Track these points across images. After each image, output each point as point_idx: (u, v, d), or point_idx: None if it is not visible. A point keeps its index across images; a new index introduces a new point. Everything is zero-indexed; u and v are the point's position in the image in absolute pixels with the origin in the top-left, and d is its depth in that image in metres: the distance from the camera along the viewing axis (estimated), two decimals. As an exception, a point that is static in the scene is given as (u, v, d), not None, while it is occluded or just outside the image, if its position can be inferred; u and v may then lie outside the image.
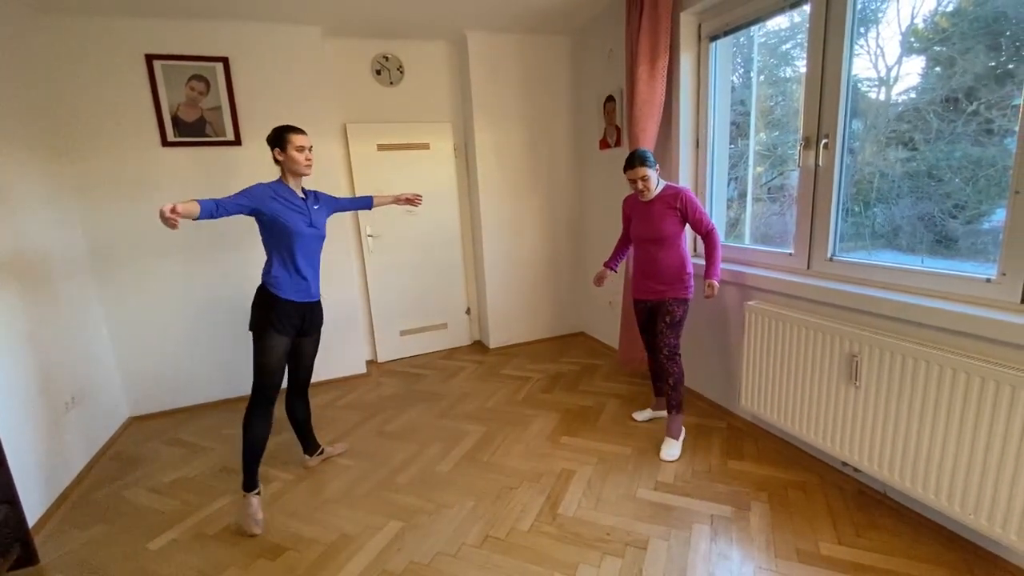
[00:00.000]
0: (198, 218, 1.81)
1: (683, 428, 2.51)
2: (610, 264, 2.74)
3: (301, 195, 2.19)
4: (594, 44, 3.60)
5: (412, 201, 2.63)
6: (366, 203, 2.56)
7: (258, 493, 2.13)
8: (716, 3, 2.57)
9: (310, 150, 2.16)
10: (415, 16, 3.21)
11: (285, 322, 2.17)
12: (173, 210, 1.66)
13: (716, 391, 2.86)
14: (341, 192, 3.53)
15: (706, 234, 2.30)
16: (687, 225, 2.37)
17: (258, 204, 2.01)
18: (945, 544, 1.75)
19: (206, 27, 3.01)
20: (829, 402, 2.02)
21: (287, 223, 2.09)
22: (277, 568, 1.86)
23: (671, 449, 2.42)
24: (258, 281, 2.18)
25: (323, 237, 2.26)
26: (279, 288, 2.13)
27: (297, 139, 2.11)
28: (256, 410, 2.16)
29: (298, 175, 2.16)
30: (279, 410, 3.09)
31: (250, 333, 2.17)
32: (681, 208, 2.30)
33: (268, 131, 2.13)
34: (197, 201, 1.79)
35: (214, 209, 1.86)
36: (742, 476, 2.22)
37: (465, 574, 1.76)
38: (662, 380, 2.72)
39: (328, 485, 2.37)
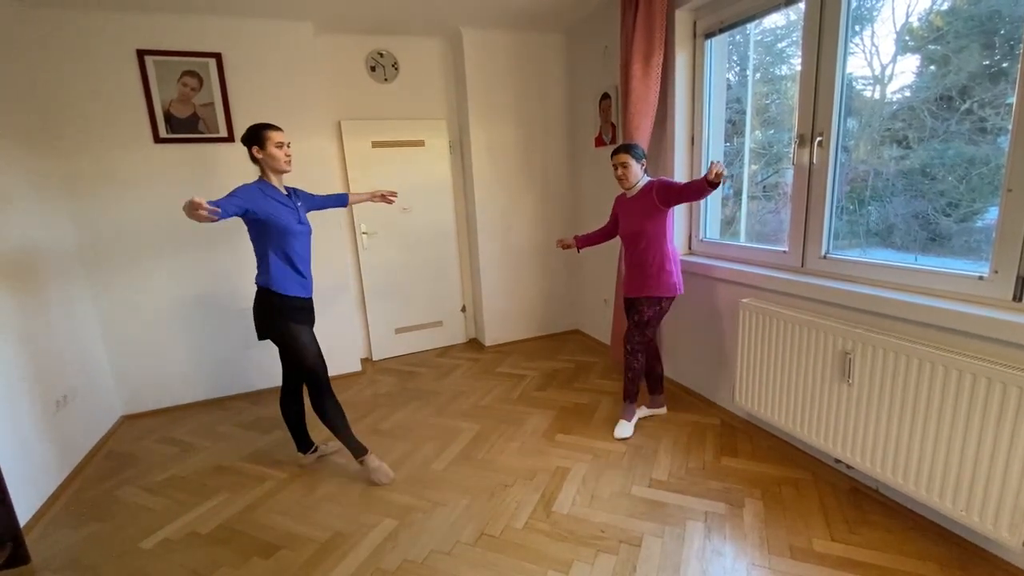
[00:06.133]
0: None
1: (636, 412, 2.68)
2: (580, 240, 2.81)
3: (285, 192, 2.18)
4: (589, 41, 3.59)
5: (386, 198, 2.63)
6: (342, 200, 2.55)
7: (368, 452, 2.35)
8: (711, 0, 2.56)
9: (288, 146, 2.14)
10: (409, 12, 3.18)
11: (300, 315, 2.18)
12: (201, 204, 1.65)
13: (710, 388, 2.86)
14: (335, 191, 3.52)
15: (685, 185, 2.18)
16: (673, 209, 2.35)
17: (251, 204, 1.98)
18: (936, 540, 1.76)
19: (199, 22, 2.98)
20: (822, 399, 2.03)
21: (280, 221, 2.07)
22: (270, 567, 1.85)
23: (624, 429, 2.58)
24: (251, 277, 2.15)
25: (311, 232, 2.26)
26: (282, 287, 2.12)
27: (275, 135, 2.09)
28: (323, 399, 2.24)
29: (279, 172, 2.14)
30: (274, 408, 3.12)
31: (260, 339, 2.16)
32: (658, 193, 2.29)
33: None
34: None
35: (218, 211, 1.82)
36: (736, 473, 2.22)
37: (459, 572, 1.76)
38: (653, 377, 2.74)
39: (322, 483, 2.36)
